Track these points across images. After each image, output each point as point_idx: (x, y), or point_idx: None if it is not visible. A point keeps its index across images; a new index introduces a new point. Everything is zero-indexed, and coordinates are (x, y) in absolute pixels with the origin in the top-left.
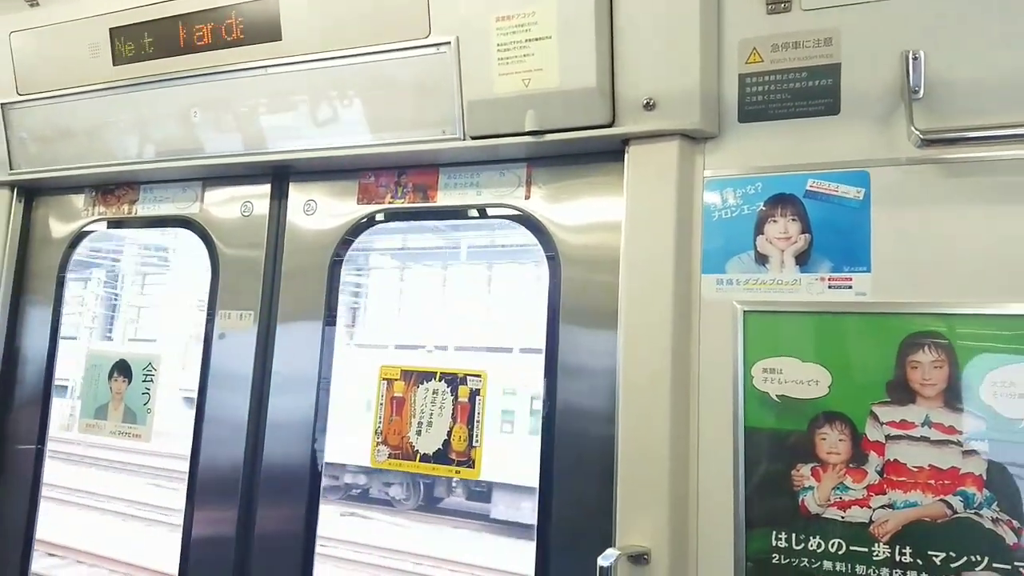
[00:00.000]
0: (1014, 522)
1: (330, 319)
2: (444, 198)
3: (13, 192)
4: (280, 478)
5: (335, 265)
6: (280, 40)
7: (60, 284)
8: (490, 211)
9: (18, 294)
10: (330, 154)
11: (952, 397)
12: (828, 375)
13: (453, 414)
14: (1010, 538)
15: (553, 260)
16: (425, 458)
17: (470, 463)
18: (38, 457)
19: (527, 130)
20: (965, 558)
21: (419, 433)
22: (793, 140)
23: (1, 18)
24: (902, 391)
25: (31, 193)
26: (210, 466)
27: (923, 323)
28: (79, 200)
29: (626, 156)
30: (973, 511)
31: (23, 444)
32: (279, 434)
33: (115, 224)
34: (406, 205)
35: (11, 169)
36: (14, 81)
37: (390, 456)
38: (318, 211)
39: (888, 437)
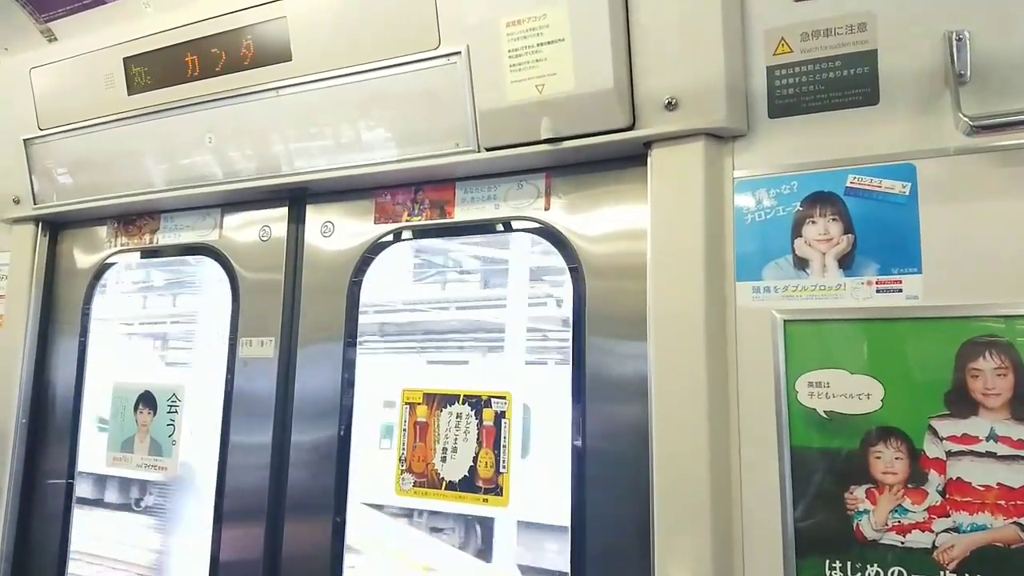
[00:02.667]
0: None
1: (350, 341)
2: (462, 213)
3: (38, 227)
4: (306, 502)
5: (354, 286)
6: (290, 60)
7: (85, 316)
8: (509, 225)
9: (45, 327)
10: (345, 173)
11: (1020, 407)
12: (880, 387)
13: (478, 438)
14: None
15: (576, 272)
16: (451, 486)
17: (498, 490)
18: (68, 492)
19: (543, 138)
20: None
21: (444, 459)
22: (829, 134)
23: (22, 56)
24: (963, 402)
25: (56, 227)
26: (236, 493)
27: (982, 326)
28: (102, 232)
29: (649, 160)
30: None
31: (53, 479)
32: (304, 458)
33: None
34: (423, 222)
35: (35, 204)
36: (35, 116)
37: (415, 485)
38: (335, 232)
39: (949, 453)
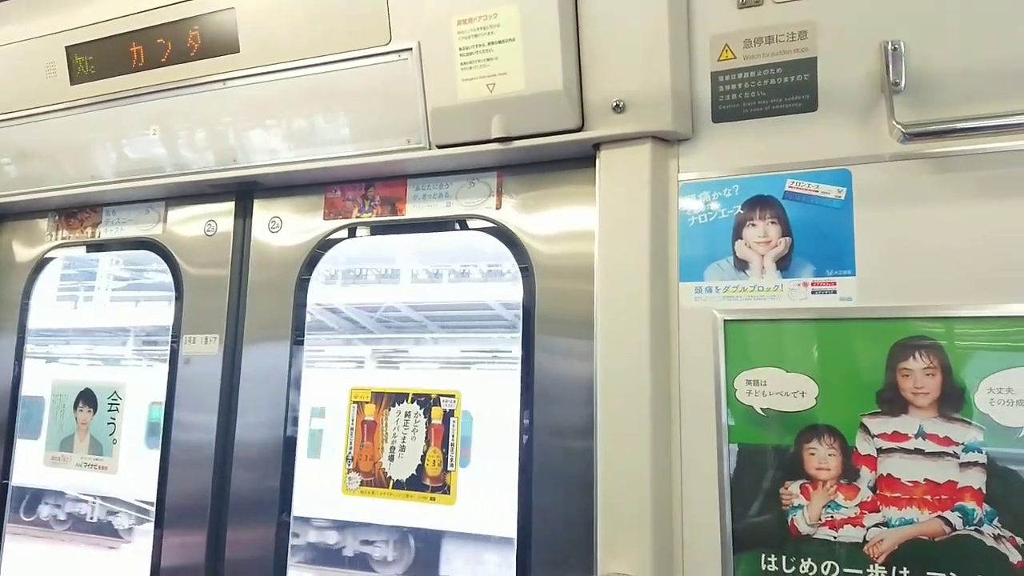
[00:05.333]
0: (1017, 539)
1: (298, 339)
2: (413, 210)
3: None
4: (249, 503)
5: (302, 283)
6: (238, 52)
7: (24, 311)
8: (460, 223)
9: None
10: (294, 168)
11: (947, 406)
12: (815, 386)
13: (427, 437)
14: (1014, 556)
15: (527, 272)
16: (398, 485)
17: (445, 489)
18: (1, 493)
19: (494, 137)
20: None
21: (391, 458)
22: (770, 139)
23: None
24: (893, 401)
25: None
26: (178, 494)
27: (913, 328)
28: (43, 224)
29: (597, 161)
30: (973, 528)
31: None
32: (248, 459)
33: (84, 248)
34: (374, 219)
35: None
36: None
37: (362, 484)
38: (283, 228)
39: (880, 450)
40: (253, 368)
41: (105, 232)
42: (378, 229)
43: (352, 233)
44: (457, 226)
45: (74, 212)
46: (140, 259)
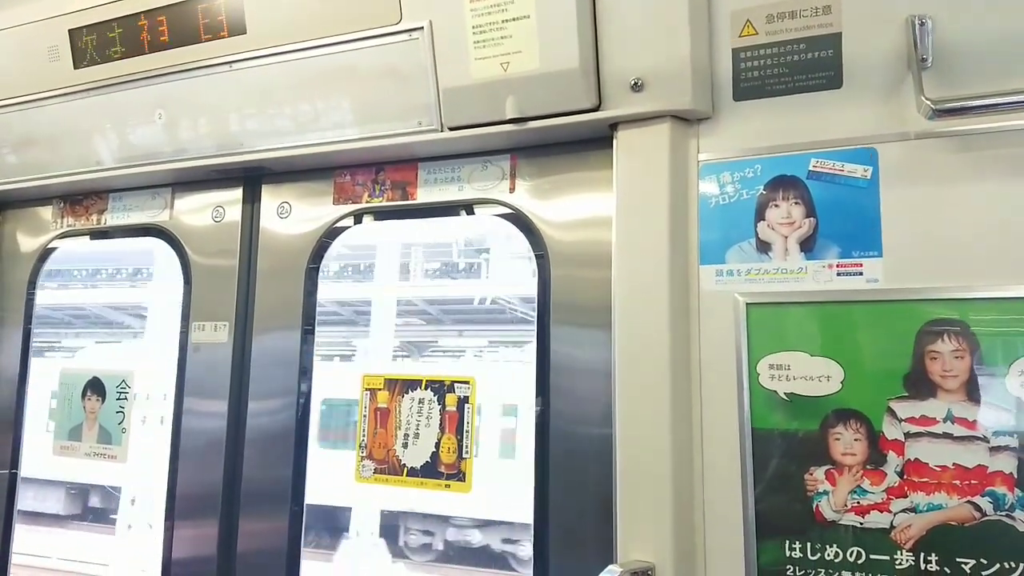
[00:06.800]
0: None
1: (308, 327)
2: (424, 195)
3: None
4: (261, 493)
5: (311, 270)
6: (245, 34)
7: (30, 300)
8: (475, 208)
9: None
10: (302, 152)
11: (975, 389)
12: (840, 370)
13: (441, 424)
14: None
15: (542, 259)
16: (413, 472)
17: (460, 476)
18: (11, 482)
19: (508, 118)
20: (997, 565)
21: (405, 446)
22: (793, 117)
23: None
24: (921, 384)
25: None
26: (189, 483)
27: (941, 309)
28: (47, 212)
29: (615, 141)
30: (1004, 513)
31: None
32: (259, 447)
33: (87, 236)
34: (384, 204)
35: None
36: None
37: (376, 471)
38: (292, 214)
39: (907, 435)
40: (263, 355)
41: (111, 219)
42: (390, 215)
43: (358, 220)
44: (463, 212)
45: (79, 199)
46: None
